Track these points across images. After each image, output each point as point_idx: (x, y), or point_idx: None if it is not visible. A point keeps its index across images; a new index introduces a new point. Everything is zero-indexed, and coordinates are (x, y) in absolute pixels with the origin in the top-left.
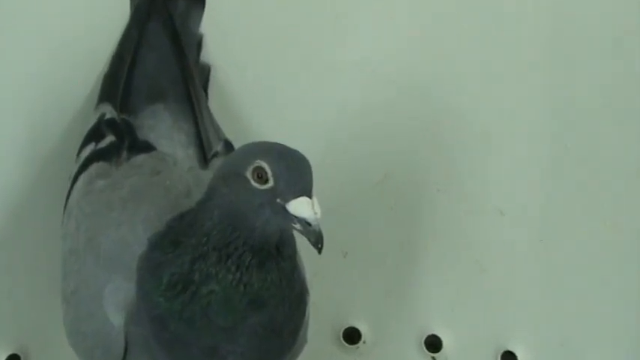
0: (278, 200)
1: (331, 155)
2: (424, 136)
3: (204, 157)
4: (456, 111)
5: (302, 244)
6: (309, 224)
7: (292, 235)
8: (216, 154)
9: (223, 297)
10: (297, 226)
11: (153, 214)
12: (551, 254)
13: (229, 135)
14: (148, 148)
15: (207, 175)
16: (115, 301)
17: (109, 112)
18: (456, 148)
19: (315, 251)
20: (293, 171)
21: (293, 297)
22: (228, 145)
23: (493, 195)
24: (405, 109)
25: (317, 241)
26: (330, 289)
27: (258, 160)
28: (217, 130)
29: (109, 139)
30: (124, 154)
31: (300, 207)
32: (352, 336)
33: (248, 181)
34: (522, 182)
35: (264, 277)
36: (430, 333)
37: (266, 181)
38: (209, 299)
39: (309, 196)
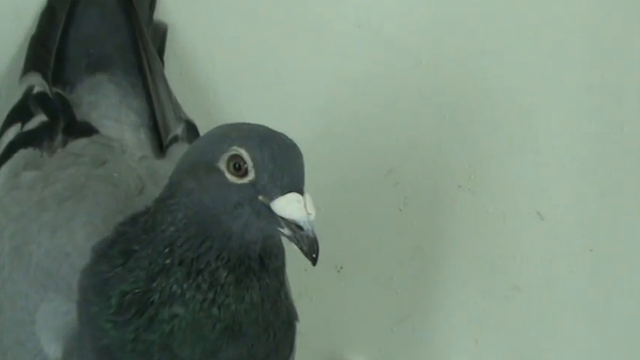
0: (260, 198)
1: (324, 142)
2: (442, 118)
3: (160, 143)
4: (483, 85)
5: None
6: (301, 228)
7: (280, 243)
8: (175, 139)
9: (190, 323)
10: (285, 230)
11: (97, 216)
12: (603, 268)
13: (192, 115)
14: (88, 130)
15: (164, 166)
16: (51, 326)
17: (38, 84)
18: (483, 133)
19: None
20: (279, 160)
21: (279, 323)
22: (191, 128)
23: (530, 193)
24: (418, 83)
25: (311, 250)
26: (320, 313)
27: (235, 147)
28: (177, 108)
29: (39, 118)
30: (59, 138)
31: (288, 206)
32: None
33: (222, 174)
34: (567, 177)
35: (243, 296)
36: None
37: (245, 173)
38: (172, 325)
39: (300, 192)
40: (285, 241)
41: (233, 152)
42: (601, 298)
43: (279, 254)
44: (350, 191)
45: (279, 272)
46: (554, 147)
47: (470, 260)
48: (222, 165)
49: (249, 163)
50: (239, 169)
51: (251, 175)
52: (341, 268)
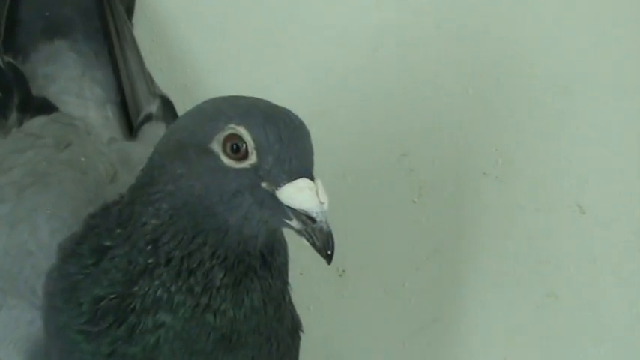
0: (264, 185)
1: (323, 122)
2: (465, 93)
3: (129, 122)
4: (513, 54)
5: None
6: (313, 220)
7: (281, 236)
8: (149, 118)
9: (179, 332)
10: (294, 222)
11: (64, 207)
12: None
13: (166, 89)
14: (46, 107)
15: (137, 150)
16: (12, 338)
17: None
18: (512, 111)
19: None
20: (286, 140)
21: (283, 332)
22: (167, 105)
23: (569, 183)
24: (437, 51)
25: (325, 245)
26: (319, 325)
27: (232, 125)
28: (150, 81)
29: None
30: (13, 116)
31: (298, 194)
32: None
33: (216, 157)
34: (612, 164)
35: (242, 300)
36: None
37: (244, 156)
38: (157, 336)
39: (311, 177)
40: (288, 234)
41: (230, 131)
42: None
43: (281, 249)
44: (355, 180)
45: (283, 270)
46: (598, 128)
47: (497, 262)
48: (216, 146)
49: (250, 145)
50: (237, 151)
51: (252, 159)
52: (343, 271)
